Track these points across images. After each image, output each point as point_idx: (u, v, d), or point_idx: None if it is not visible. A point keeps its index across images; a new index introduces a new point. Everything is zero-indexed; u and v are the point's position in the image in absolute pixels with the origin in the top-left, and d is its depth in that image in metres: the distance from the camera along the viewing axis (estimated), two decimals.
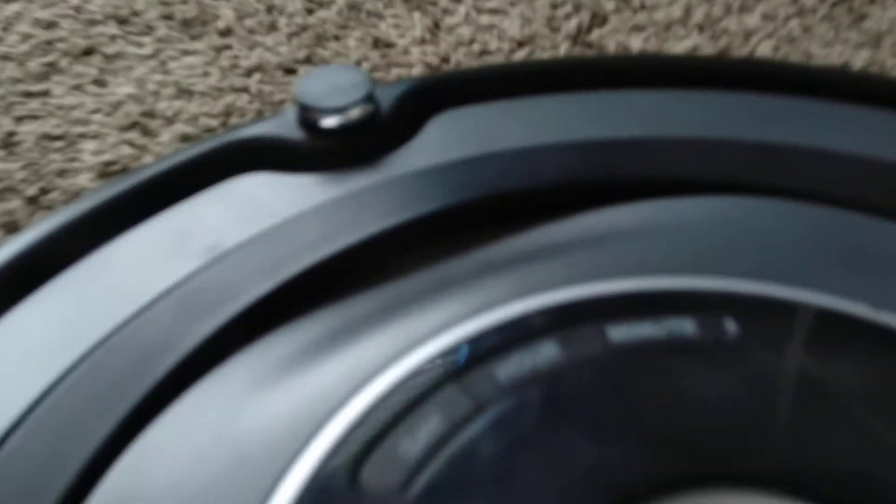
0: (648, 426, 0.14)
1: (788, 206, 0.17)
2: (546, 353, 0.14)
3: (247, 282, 0.15)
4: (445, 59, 0.28)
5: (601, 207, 0.17)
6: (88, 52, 0.29)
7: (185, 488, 0.12)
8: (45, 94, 0.28)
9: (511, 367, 0.14)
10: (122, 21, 0.30)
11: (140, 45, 0.29)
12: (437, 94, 0.20)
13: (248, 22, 0.29)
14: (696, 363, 0.14)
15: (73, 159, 0.26)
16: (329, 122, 0.18)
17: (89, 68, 0.28)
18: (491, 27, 0.29)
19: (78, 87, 0.28)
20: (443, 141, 0.18)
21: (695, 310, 0.15)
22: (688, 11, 0.29)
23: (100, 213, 0.17)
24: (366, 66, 0.28)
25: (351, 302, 0.15)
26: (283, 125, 0.18)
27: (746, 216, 0.17)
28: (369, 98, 0.19)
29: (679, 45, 0.28)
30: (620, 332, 0.15)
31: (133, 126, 0.27)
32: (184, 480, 0.13)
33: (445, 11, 0.29)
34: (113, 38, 0.29)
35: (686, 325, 0.15)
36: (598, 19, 0.29)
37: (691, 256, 0.16)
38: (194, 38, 0.29)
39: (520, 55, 0.28)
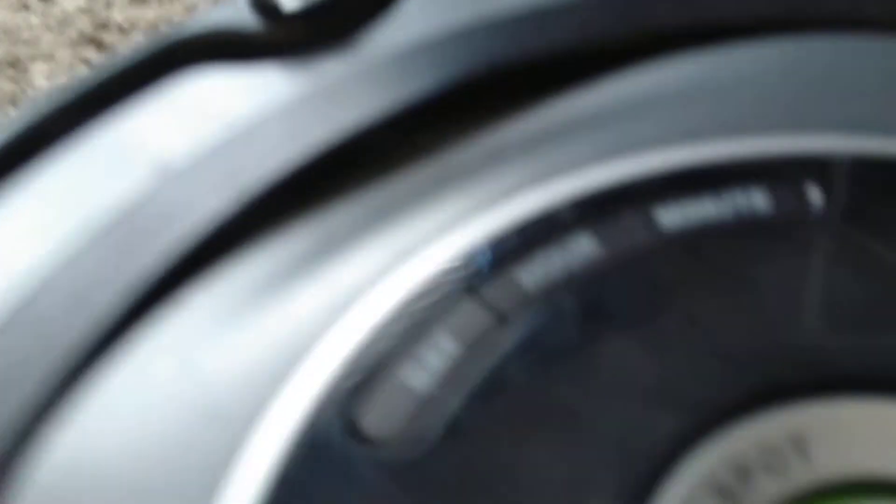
0: (718, 332, 0.11)
1: (865, 42, 0.14)
2: (581, 250, 0.12)
3: (203, 198, 0.12)
4: None
5: (630, 68, 0.14)
6: None
7: (143, 448, 0.10)
8: None
9: (538, 270, 0.12)
10: None
11: None
12: None
13: None
14: (773, 246, 0.12)
15: (26, 85, 0.23)
16: (289, 3, 0.15)
17: None
18: None
19: (23, 6, 0.25)
20: (428, 7, 0.15)
21: (767, 178, 0.12)
22: None
23: (33, 129, 0.14)
24: None
25: (333, 211, 0.12)
26: (236, 13, 0.16)
27: (812, 58, 0.14)
28: None
29: None
30: (673, 216, 0.12)
31: (86, 41, 0.24)
32: (141, 439, 0.10)
33: None
34: None
35: (756, 199, 0.12)
36: None
37: (749, 114, 0.13)
38: None
39: None
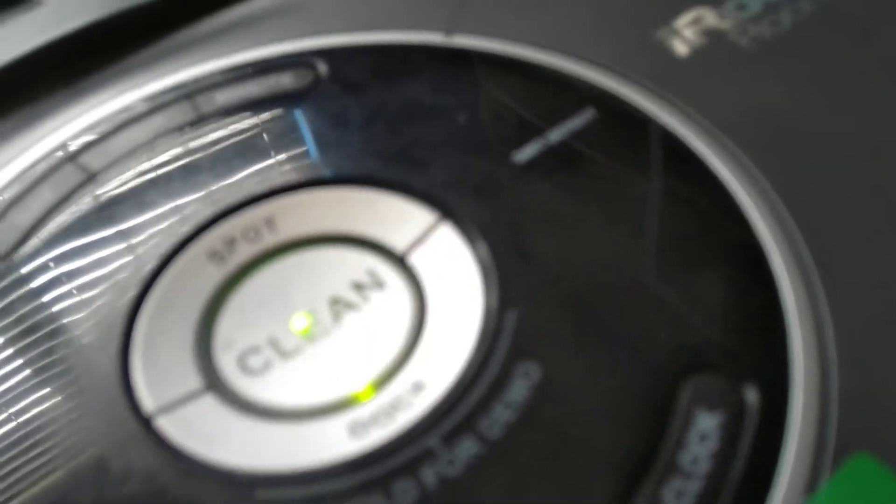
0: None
1: None
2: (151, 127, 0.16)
3: None
4: None
5: None
6: None
7: None
8: None
9: (122, 142, 0.16)
10: None
11: None
12: None
13: None
14: (283, 106, 0.16)
15: None
16: None
17: None
18: None
19: None
20: None
21: (288, 65, 0.17)
22: None
23: None
24: None
25: None
26: None
27: None
28: None
29: None
30: (228, 96, 0.17)
31: None
32: None
33: None
34: None
35: (284, 79, 0.17)
36: None
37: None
38: None
39: None
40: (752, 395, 0.12)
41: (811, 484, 0.11)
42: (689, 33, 0.17)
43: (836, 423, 0.11)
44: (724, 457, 0.11)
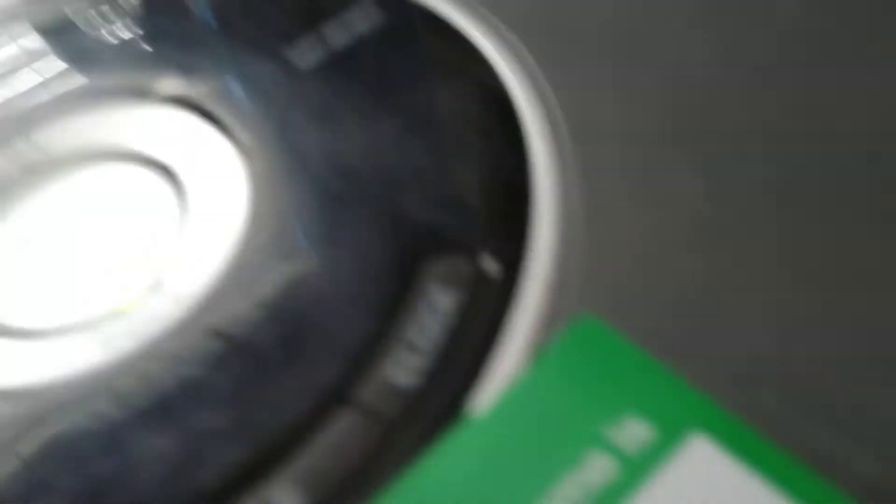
0: None
1: None
2: None
3: None
4: None
5: None
6: None
7: None
8: None
9: None
10: None
11: None
12: None
13: None
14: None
15: None
16: None
17: None
18: None
19: None
20: None
21: None
22: None
23: None
24: None
25: None
26: None
27: None
28: None
29: None
30: None
31: None
32: None
33: None
34: None
35: None
36: None
37: None
38: None
39: None
40: (491, 269, 0.12)
41: (538, 349, 0.11)
42: None
43: (568, 290, 0.11)
44: (455, 331, 0.11)
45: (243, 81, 0.14)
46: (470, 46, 0.14)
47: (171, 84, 0.15)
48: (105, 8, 0.16)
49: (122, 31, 0.16)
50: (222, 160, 0.14)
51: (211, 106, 0.14)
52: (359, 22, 0.15)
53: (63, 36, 0.16)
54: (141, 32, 0.16)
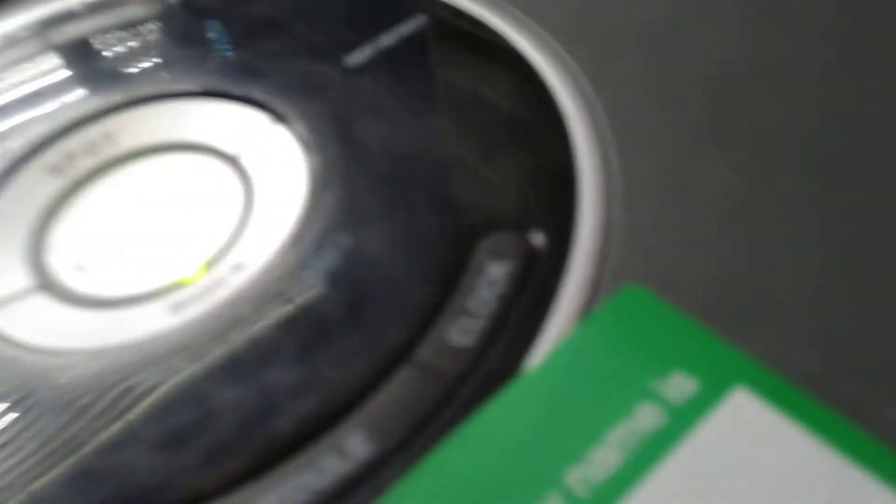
0: None
1: None
2: None
3: None
4: None
5: None
6: None
7: None
8: None
9: None
10: None
11: None
12: None
13: None
14: None
15: None
16: None
17: None
18: None
19: None
20: None
21: None
22: None
23: None
24: None
25: None
26: None
27: None
28: None
29: None
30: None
31: None
32: None
33: None
34: None
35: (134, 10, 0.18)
36: None
37: None
38: None
39: None
40: (539, 242, 0.12)
41: (586, 314, 0.11)
42: None
43: (614, 262, 0.12)
44: (509, 298, 0.12)
45: (304, 81, 0.15)
46: (513, 49, 0.15)
47: (236, 84, 0.16)
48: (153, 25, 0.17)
49: (179, 41, 0.17)
50: (284, 149, 0.15)
51: (273, 103, 0.15)
52: (410, 29, 0.16)
53: (142, 42, 0.17)
54: (202, 38, 0.17)
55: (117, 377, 0.12)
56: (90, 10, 0.17)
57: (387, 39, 0.16)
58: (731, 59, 0.15)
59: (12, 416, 0.11)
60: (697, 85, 0.14)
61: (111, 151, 0.15)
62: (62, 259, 0.14)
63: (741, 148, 0.13)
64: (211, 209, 0.14)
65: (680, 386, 0.11)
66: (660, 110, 0.14)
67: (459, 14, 0.16)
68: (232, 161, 0.15)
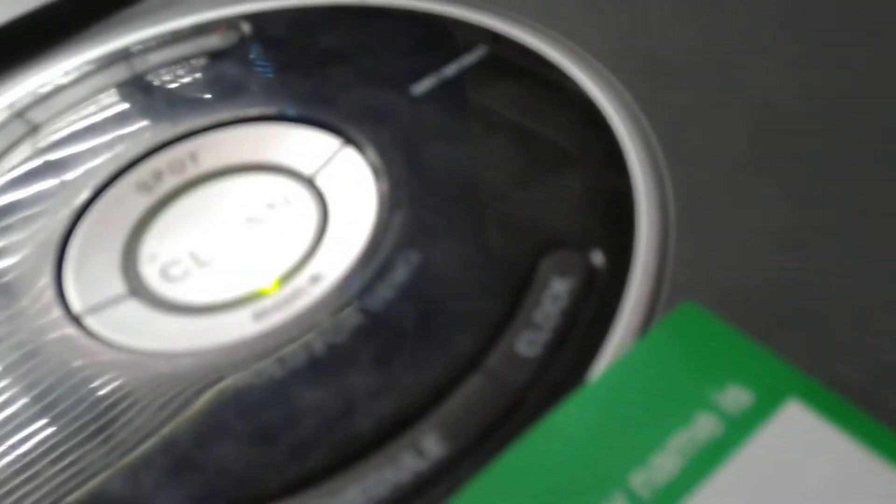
0: None
1: None
2: None
3: None
4: None
5: None
6: None
7: None
8: None
9: None
10: None
11: None
12: None
13: None
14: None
15: None
16: None
17: None
18: None
19: None
20: None
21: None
22: None
23: None
24: None
25: None
26: None
27: None
28: None
29: None
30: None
31: None
32: None
33: None
34: None
35: (212, 40, 0.19)
36: None
37: None
38: None
39: None
40: (599, 261, 0.13)
41: (645, 329, 0.12)
42: None
43: (670, 281, 0.13)
44: (571, 313, 0.12)
45: (373, 108, 0.16)
46: (570, 78, 0.16)
47: (309, 110, 0.17)
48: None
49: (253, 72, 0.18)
50: (355, 171, 0.16)
51: (344, 128, 0.16)
52: (471, 60, 0.17)
53: (221, 69, 0.18)
54: (272, 70, 0.18)
55: (209, 377, 0.13)
56: (173, 40, 0.19)
57: (449, 70, 0.17)
58: (778, 88, 0.15)
59: (114, 411, 0.12)
60: (746, 113, 0.15)
61: (195, 171, 0.16)
62: (152, 268, 0.15)
63: (789, 172, 0.14)
64: (287, 225, 0.15)
65: (736, 397, 0.11)
66: (710, 137, 0.15)
67: (517, 46, 0.17)
68: (307, 181, 0.16)
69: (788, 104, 0.15)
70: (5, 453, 0.12)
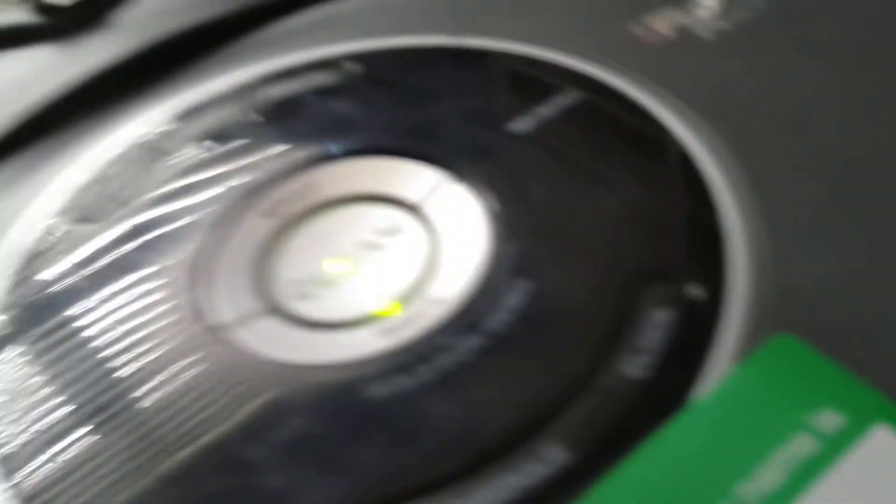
0: None
1: None
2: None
3: None
4: None
5: None
6: None
7: None
8: None
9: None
10: None
11: None
12: None
13: None
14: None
15: None
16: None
17: None
18: None
19: None
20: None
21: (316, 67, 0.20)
22: None
23: None
24: None
25: None
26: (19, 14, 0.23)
27: None
28: None
29: None
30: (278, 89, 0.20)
31: None
32: None
33: None
34: None
35: (319, 77, 0.20)
36: None
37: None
38: None
39: None
40: (696, 293, 0.14)
41: (739, 356, 0.13)
42: (658, 26, 0.20)
43: (763, 313, 0.14)
44: (672, 339, 0.14)
45: (474, 144, 0.18)
46: (659, 122, 0.18)
47: (415, 144, 0.18)
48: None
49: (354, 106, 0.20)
50: (461, 201, 0.17)
51: (449, 162, 0.18)
52: (565, 101, 0.18)
53: (333, 106, 0.19)
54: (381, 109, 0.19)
55: (345, 387, 0.14)
56: (287, 76, 0.20)
57: (545, 110, 0.18)
58: (863, 135, 0.16)
59: (266, 419, 0.14)
60: (831, 156, 0.16)
61: (314, 199, 0.18)
62: (279, 288, 0.16)
63: (872, 214, 0.15)
64: (402, 250, 0.17)
65: (829, 420, 0.12)
66: (797, 180, 0.16)
67: (610, 91, 0.19)
68: (415, 210, 0.17)
69: (874, 152, 0.16)
70: (167, 455, 0.14)
